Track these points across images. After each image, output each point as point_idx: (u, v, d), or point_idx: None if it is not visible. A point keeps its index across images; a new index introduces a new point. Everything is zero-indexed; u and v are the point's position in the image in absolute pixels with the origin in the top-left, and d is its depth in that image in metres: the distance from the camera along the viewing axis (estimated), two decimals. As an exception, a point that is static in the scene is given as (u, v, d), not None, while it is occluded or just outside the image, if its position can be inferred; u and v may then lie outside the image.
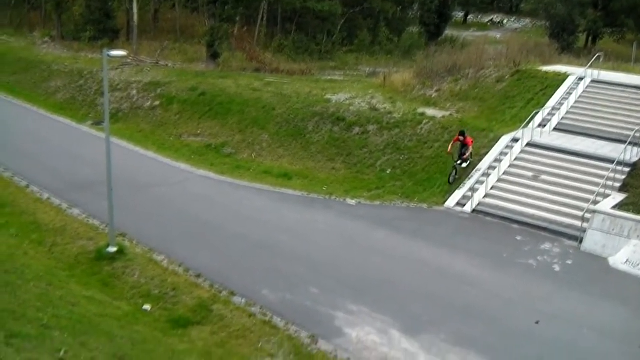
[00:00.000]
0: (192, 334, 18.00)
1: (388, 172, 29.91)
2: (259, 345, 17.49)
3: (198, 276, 20.54)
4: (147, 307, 19.04)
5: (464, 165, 28.60)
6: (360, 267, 21.25)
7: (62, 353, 12.08)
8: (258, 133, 34.60)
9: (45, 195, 26.97)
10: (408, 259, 21.91)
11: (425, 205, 26.87)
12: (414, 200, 27.35)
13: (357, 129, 32.90)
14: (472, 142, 28.70)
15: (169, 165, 31.71)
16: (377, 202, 27.31)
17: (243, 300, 19.29)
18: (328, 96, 36.10)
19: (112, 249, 21.74)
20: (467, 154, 28.41)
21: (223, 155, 33.50)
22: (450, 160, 28.94)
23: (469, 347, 17.14)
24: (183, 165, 31.48)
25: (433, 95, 35.69)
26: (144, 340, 15.71)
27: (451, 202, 26.99)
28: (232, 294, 19.61)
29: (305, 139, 33.44)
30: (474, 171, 27.93)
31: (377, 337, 17.66)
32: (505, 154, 28.44)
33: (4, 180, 28.80)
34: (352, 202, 27.38)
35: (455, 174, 28.34)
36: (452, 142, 28.73)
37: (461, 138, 28.42)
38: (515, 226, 24.96)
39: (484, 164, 28.20)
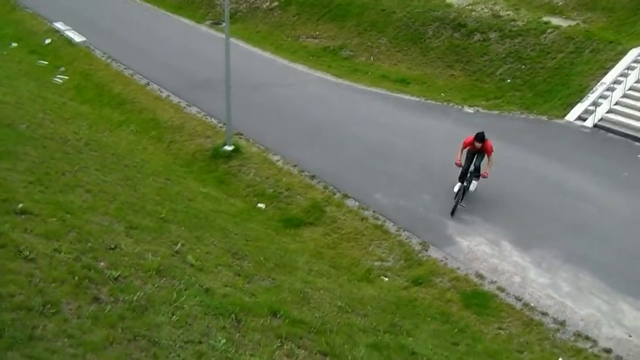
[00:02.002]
0: (304, 234, 18.17)
1: (508, 81, 28.86)
2: (370, 248, 17.50)
3: (312, 177, 20.60)
4: (262, 205, 19.27)
5: (473, 187, 19.73)
6: (475, 176, 20.82)
7: (178, 246, 12.33)
8: (376, 37, 33.89)
9: (165, 93, 27.43)
10: (524, 171, 21.23)
11: (544, 118, 25.86)
12: (533, 112, 26.36)
13: (477, 36, 31.76)
14: (492, 150, 18.95)
15: (286, 66, 31.58)
16: (495, 112, 26.50)
17: (356, 203, 19.26)
18: (449, 0, 34.96)
19: (229, 148, 22.00)
20: (486, 168, 19.04)
21: (340, 58, 33.06)
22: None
23: (580, 264, 16.61)
24: (300, 67, 31.31)
25: (559, 3, 33.91)
26: (257, 237, 15.92)
27: (572, 115, 25.82)
28: (346, 196, 19.60)
29: (424, 44, 32.56)
30: (598, 85, 26.56)
31: (488, 248, 17.37)
32: (633, 69, 26.85)
33: (125, 77, 29.41)
34: (470, 110, 26.71)
35: (462, 198, 19.16)
36: (461, 148, 19.36)
37: (477, 144, 18.92)
38: (639, 144, 23.78)
39: (608, 78, 26.72)
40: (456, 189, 19.20)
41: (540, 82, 27.94)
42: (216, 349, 8.64)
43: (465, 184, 19.17)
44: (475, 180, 19.60)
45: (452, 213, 18.80)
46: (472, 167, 19.22)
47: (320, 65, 31.62)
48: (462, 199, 19.04)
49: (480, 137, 18.74)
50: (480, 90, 28.71)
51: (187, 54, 32.20)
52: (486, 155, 18.88)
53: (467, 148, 19.18)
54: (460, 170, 19.24)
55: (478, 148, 18.91)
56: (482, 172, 19.09)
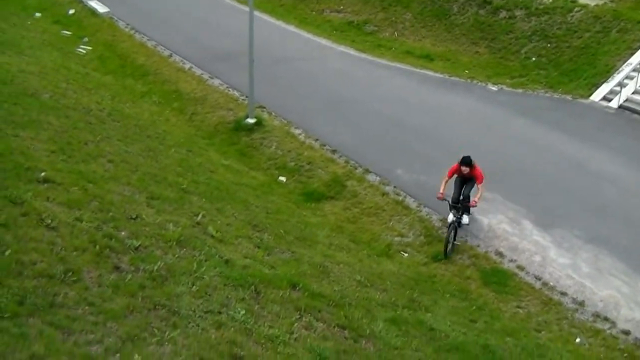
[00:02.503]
0: (325, 208, 18.19)
1: (533, 59, 28.57)
2: (390, 224, 17.51)
3: (334, 151, 20.58)
4: (283, 178, 19.29)
5: (466, 220, 16.98)
6: (497, 154, 20.60)
7: (199, 217, 12.37)
8: (401, 12, 33.63)
9: (187, 65, 27.43)
10: (547, 150, 21.03)
11: (569, 97, 25.57)
12: (558, 91, 26.07)
13: (503, 13, 31.42)
14: (483, 177, 16.57)
15: (309, 40, 31.42)
16: (520, 90, 26.26)
17: (377, 179, 19.23)
18: (475, -24, 34.64)
19: (251, 120, 22.01)
20: (475, 197, 16.55)
21: (364, 32, 32.85)
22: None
23: (602, 245, 16.46)
24: (324, 41, 31.14)
25: (587, -19, 33.64)
26: (277, 210, 15.95)
27: (597, 95, 25.51)
28: (367, 171, 19.57)
29: (449, 20, 32.27)
30: (624, 65, 26.21)
31: (509, 226, 17.28)
32: (662, 49, 26.50)
33: (148, 49, 29.42)
34: (494, 88, 26.50)
35: (455, 236, 16.75)
36: (447, 176, 16.77)
37: (464, 169, 16.56)
38: (664, 126, 23.44)
39: (635, 58, 26.34)
40: (450, 218, 16.57)
41: (565, 61, 27.64)
42: (235, 320, 8.67)
43: (456, 218, 16.56)
44: (467, 215, 16.97)
45: (446, 254, 16.38)
46: (461, 197, 16.75)
47: (344, 40, 31.45)
48: (454, 237, 16.71)
49: (466, 161, 16.47)
50: (504, 68, 28.47)
51: (210, 26, 32.11)
52: (476, 184, 16.58)
53: (455, 175, 16.85)
54: (450, 201, 16.66)
55: (466, 174, 16.59)
56: (470, 201, 16.55)
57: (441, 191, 16.41)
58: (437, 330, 11.42)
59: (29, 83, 17.37)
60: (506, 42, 29.88)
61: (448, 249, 16.38)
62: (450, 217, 16.52)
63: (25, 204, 9.70)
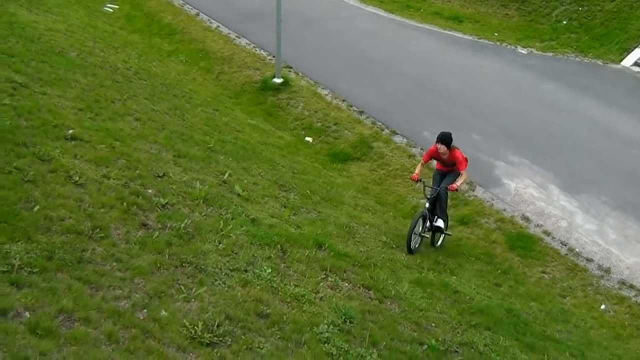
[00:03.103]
0: (351, 169, 18.16)
1: (564, 23, 28.15)
2: (416, 186, 17.42)
3: (361, 112, 20.48)
4: (309, 139, 19.26)
5: (441, 223, 14.00)
6: (525, 117, 20.43)
7: (226, 176, 12.39)
8: (430, -28, 33.30)
9: (214, 24, 27.30)
10: (576, 115, 20.78)
11: (599, 62, 25.21)
12: (588, 55, 25.70)
13: (535, -26, 31.05)
14: (466, 161, 13.51)
15: (337, 0, 31.21)
16: (549, 54, 25.91)
17: (404, 140, 19.14)
18: None
19: (278, 80, 21.94)
20: (458, 182, 13.28)
21: (393, -7, 32.56)
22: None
23: (629, 212, 16.28)
24: (352, 1, 30.78)
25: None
26: (303, 170, 15.95)
27: (628, 61, 25.09)
28: (393, 132, 19.47)
29: (478, -20, 31.93)
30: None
31: (536, 191, 17.14)
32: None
33: (175, 8, 29.33)
34: (523, 51, 26.17)
35: (425, 228, 13.63)
36: (423, 161, 13.99)
37: (440, 147, 13.24)
38: (696, 93, 23.03)
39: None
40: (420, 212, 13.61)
41: (597, 25, 27.22)
42: (261, 278, 8.72)
43: (429, 209, 13.48)
44: (442, 221, 13.95)
45: (409, 248, 13.05)
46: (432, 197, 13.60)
47: (373, 0, 31.14)
48: (424, 228, 13.55)
49: (443, 137, 13.13)
50: (534, 31, 28.08)
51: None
52: (457, 165, 13.39)
53: (434, 159, 13.88)
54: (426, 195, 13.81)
55: (445, 158, 13.44)
56: (450, 185, 13.23)
57: (416, 172, 13.42)
58: (461, 293, 11.43)
59: (56, 41, 17.37)
60: (537, 5, 29.44)
61: (413, 243, 13.12)
62: (420, 211, 13.61)
63: (53, 161, 9.76)
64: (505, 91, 22.18)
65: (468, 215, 16.31)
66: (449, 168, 13.66)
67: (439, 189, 13.53)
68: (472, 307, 10.88)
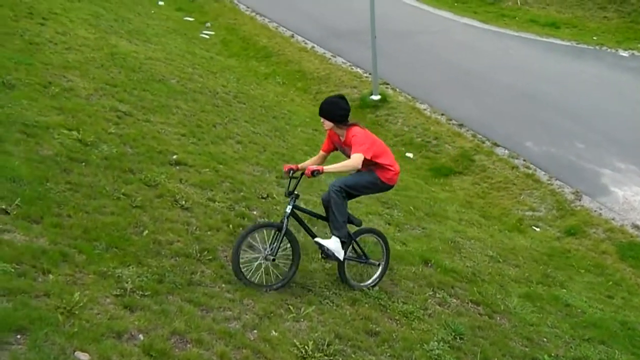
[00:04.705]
0: (454, 183, 17.92)
1: (666, 22, 27.34)
2: (521, 198, 17.05)
3: (460, 125, 20.19)
4: (410, 154, 19.12)
5: (327, 243, 8.53)
6: (630, 122, 19.70)
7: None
8: (523, -21, 32.79)
9: (309, 45, 27.50)
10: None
11: None
12: (696, 53, 24.85)
13: (634, -26, 30.19)
14: (363, 146, 8.41)
15: (429, 12, 31.01)
16: (653, 55, 25.18)
17: (506, 152, 18.76)
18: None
19: (376, 97, 21.89)
20: (323, 167, 8.33)
21: (486, 3, 32.07)
22: None
23: None
24: (445, 13, 30.63)
25: None
26: (406, 187, 15.82)
27: None
28: (495, 144, 19.12)
29: (574, -15, 31.27)
30: None
31: (646, 199, 16.55)
32: None
33: (269, 30, 29.70)
34: (625, 53, 25.43)
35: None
36: (321, 150, 9.33)
37: (325, 123, 8.76)
38: None
39: None
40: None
41: (702, 22, 26.27)
42: (369, 296, 8.72)
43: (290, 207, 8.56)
44: (336, 233, 8.58)
45: (237, 275, 8.19)
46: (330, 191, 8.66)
47: (466, 12, 30.86)
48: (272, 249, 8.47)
49: (322, 107, 8.72)
50: (636, 32, 27.24)
51: (329, 5, 32.06)
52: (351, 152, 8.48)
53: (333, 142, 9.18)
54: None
55: (342, 143, 8.90)
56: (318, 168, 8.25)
57: (300, 165, 8.99)
58: (573, 307, 11.10)
59: (156, 69, 17.78)
60: (636, 5, 28.60)
61: (245, 271, 8.25)
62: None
63: (160, 186, 9.97)
64: (607, 96, 21.53)
65: (575, 225, 15.80)
66: (342, 145, 8.97)
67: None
68: (585, 321, 10.55)
